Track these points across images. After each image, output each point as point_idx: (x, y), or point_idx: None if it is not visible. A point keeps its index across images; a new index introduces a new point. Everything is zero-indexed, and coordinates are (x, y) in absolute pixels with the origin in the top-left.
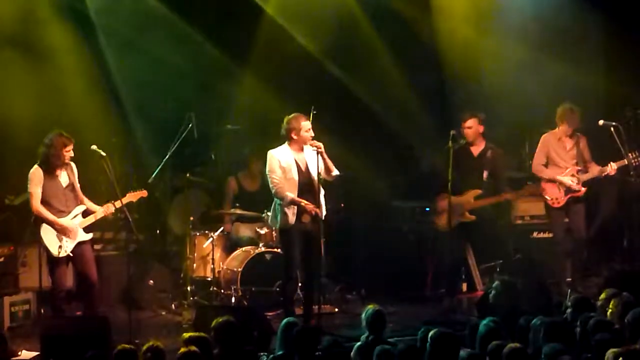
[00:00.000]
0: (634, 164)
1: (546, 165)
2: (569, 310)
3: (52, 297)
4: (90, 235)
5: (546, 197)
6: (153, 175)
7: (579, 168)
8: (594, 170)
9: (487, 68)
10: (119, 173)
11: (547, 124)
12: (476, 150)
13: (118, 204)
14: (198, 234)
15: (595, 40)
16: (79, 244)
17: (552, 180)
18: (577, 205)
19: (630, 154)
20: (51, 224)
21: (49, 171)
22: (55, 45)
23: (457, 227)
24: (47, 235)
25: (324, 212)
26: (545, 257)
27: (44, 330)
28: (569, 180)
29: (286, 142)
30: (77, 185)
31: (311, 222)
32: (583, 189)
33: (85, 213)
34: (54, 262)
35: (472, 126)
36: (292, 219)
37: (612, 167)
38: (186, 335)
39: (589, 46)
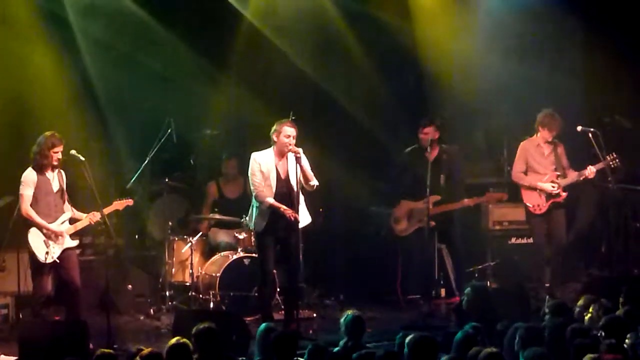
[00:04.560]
0: (611, 166)
1: (526, 173)
2: (547, 316)
3: (33, 302)
4: (76, 242)
5: (527, 204)
6: (132, 180)
7: (558, 173)
8: (573, 175)
9: (466, 74)
10: (98, 178)
11: (526, 130)
12: (431, 155)
13: (104, 211)
14: (177, 238)
15: (574, 46)
16: (65, 250)
17: (533, 188)
18: (558, 211)
19: (607, 157)
20: (40, 228)
21: (41, 173)
22: (33, 50)
23: (417, 232)
24: (35, 240)
25: (309, 220)
26: (523, 262)
27: (23, 334)
28: (549, 186)
29: (271, 147)
30: (66, 193)
31: (286, 228)
32: (564, 194)
33: (71, 220)
34: (37, 268)
35: (429, 132)
36: (266, 223)
37: (590, 170)
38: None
39: (568, 52)
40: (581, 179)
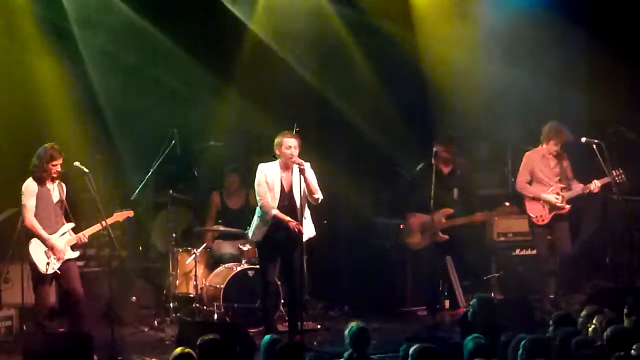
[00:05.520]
0: (617, 182)
1: (530, 183)
2: (551, 328)
3: (35, 314)
4: (77, 254)
5: (530, 214)
6: (136, 192)
7: (563, 186)
8: (577, 187)
9: (469, 85)
10: (102, 190)
11: (530, 140)
12: (446, 168)
13: (104, 223)
14: (181, 250)
15: (577, 57)
16: (66, 261)
17: (537, 198)
18: (561, 222)
19: (613, 172)
20: (42, 240)
21: (41, 184)
22: (38, 61)
23: (430, 246)
24: (36, 251)
25: (313, 234)
26: (527, 274)
27: (26, 346)
28: (553, 197)
29: (277, 160)
30: (66, 204)
31: (288, 239)
32: (567, 206)
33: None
34: (39, 279)
35: (451, 151)
36: (265, 232)
37: (595, 185)
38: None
39: (571, 63)
40: (586, 192)
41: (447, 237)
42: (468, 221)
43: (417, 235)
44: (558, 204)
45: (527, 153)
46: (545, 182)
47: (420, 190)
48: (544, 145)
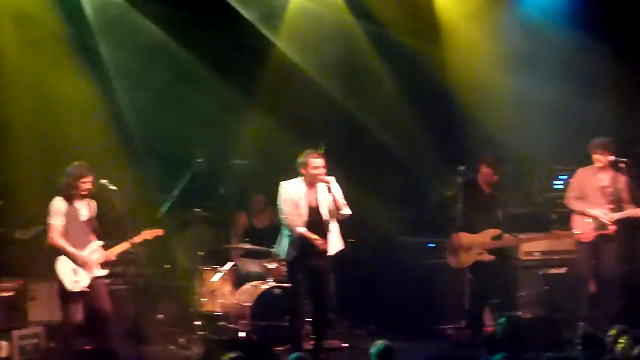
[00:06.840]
0: None
1: (580, 200)
2: (578, 347)
3: (62, 332)
4: (105, 272)
5: (575, 230)
6: (163, 210)
7: (612, 207)
8: (630, 211)
9: (496, 102)
10: (129, 208)
11: (555, 159)
12: (488, 188)
13: (134, 241)
14: (207, 268)
15: (605, 75)
16: (95, 279)
17: (583, 214)
18: (609, 244)
19: None
20: (73, 257)
21: (70, 203)
22: (65, 79)
23: (473, 266)
24: (64, 269)
25: (341, 247)
26: (556, 293)
27: None
28: (600, 213)
29: (300, 177)
30: (95, 222)
31: (318, 258)
32: (613, 227)
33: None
34: (66, 297)
35: (500, 171)
36: (297, 252)
37: None
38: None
39: (599, 81)
40: (637, 216)
41: (493, 257)
42: (516, 243)
43: (461, 254)
44: (604, 221)
45: (579, 169)
46: (591, 200)
47: (457, 208)
48: (595, 162)
